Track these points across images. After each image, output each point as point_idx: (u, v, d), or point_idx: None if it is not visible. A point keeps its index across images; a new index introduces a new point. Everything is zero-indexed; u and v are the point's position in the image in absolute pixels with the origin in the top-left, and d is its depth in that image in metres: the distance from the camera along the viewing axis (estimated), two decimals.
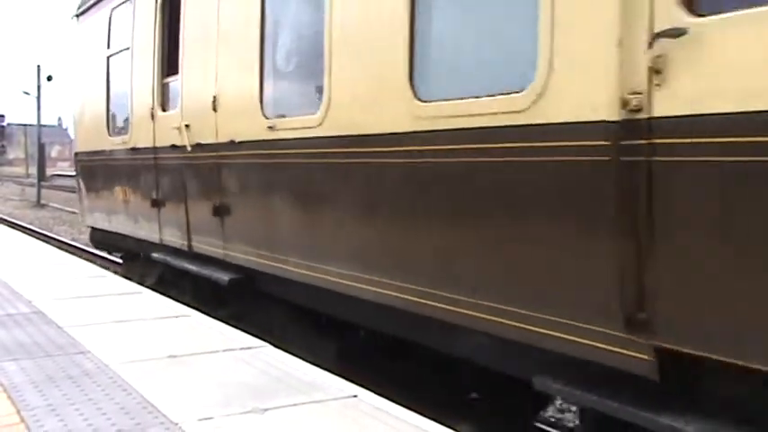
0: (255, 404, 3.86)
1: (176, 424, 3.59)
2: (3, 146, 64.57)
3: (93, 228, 11.27)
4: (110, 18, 9.83)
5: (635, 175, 3.22)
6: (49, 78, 40.52)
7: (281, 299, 6.45)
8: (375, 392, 4.08)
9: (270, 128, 5.95)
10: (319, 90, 5.38)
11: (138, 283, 8.18)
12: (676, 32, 3.06)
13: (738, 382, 3.08)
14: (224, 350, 5.00)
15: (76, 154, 11.81)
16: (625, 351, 3.35)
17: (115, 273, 9.47)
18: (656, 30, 3.12)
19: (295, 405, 3.87)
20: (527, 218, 3.87)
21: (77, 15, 11.30)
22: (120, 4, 9.40)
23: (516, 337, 3.89)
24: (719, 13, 2.97)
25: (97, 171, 10.68)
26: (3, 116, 60.27)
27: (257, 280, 6.62)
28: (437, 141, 4.29)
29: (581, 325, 3.53)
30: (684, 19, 3.07)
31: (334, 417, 3.73)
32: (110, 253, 12.16)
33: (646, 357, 3.26)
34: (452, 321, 4.27)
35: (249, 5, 6.29)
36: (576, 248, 3.59)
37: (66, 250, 13.12)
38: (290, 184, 5.94)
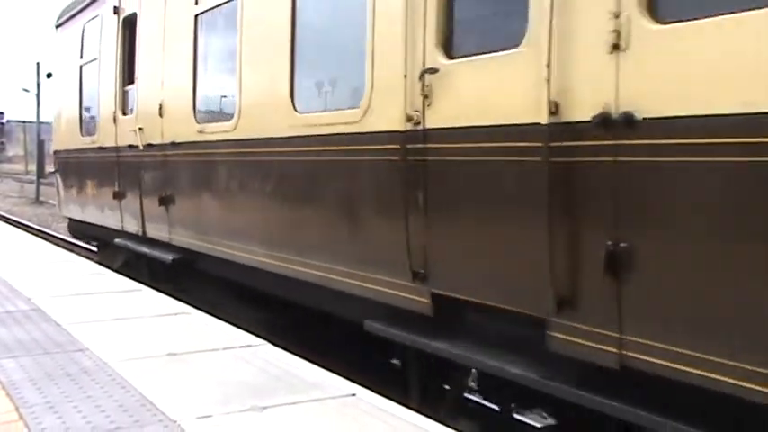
0: (254, 402, 3.86)
1: (175, 421, 3.59)
2: (2, 143, 64.58)
3: (69, 219, 12.61)
4: (82, 31, 11.21)
5: (417, 170, 4.58)
6: (49, 75, 40.24)
7: (214, 274, 7.72)
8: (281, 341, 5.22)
9: (200, 131, 7.46)
10: (233, 102, 6.75)
11: (108, 267, 9.24)
12: (434, 71, 4.44)
13: (483, 315, 4.36)
14: (223, 348, 5.00)
15: (55, 152, 13.27)
16: (414, 297, 4.73)
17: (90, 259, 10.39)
18: (425, 67, 4.48)
19: (294, 403, 3.87)
20: (354, 202, 5.38)
21: (57, 26, 12.64)
22: (90, 20, 10.74)
23: (349, 290, 5.32)
24: (461, 58, 4.34)
25: (71, 167, 12.07)
26: (2, 113, 60.27)
27: (195, 259, 7.87)
28: (307, 144, 5.74)
29: (388, 279, 4.93)
30: (440, 61, 4.45)
31: (332, 415, 3.73)
32: (87, 242, 13.13)
33: (425, 300, 4.64)
34: (318, 283, 5.65)
35: (186, 29, 7.74)
36: (381, 223, 5.07)
37: (65, 247, 13.12)
38: (214, 178, 7.36)
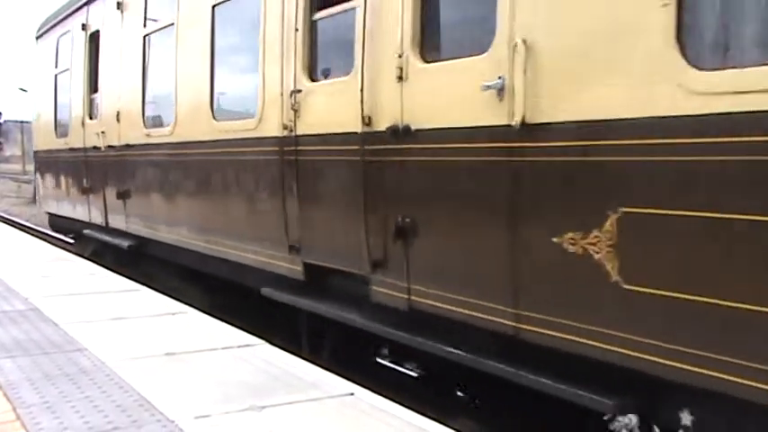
0: (253, 402, 3.86)
1: (173, 421, 3.58)
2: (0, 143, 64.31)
3: (49, 213, 13.95)
4: (57, 43, 12.60)
5: (291, 167, 5.89)
6: (23, 90, 40.40)
7: (160, 257, 9.08)
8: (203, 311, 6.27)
9: (147, 135, 8.85)
10: (171, 111, 8.12)
11: (79, 255, 10.46)
12: (300, 91, 5.77)
13: (338, 277, 5.67)
14: (221, 348, 4.99)
15: (35, 152, 14.93)
16: (291, 265, 6.01)
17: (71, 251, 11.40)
18: (294, 88, 5.82)
19: (292, 403, 3.87)
20: (253, 192, 6.65)
21: (36, 38, 14.00)
22: (63, 34, 12.17)
23: (248, 262, 6.65)
24: (318, 81, 5.74)
25: (49, 166, 13.52)
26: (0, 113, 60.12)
27: (147, 245, 9.23)
28: (222, 146, 7.07)
29: (273, 252, 6.22)
30: (304, 83, 5.77)
31: (331, 414, 3.72)
32: (65, 235, 14.04)
33: (299, 268, 5.92)
34: (228, 258, 7.03)
35: (137, 47, 9.14)
36: (269, 209, 6.28)
37: (63, 247, 13.14)
38: (157, 174, 8.73)
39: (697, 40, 3.18)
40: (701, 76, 3.06)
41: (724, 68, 3.03)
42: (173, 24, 8.05)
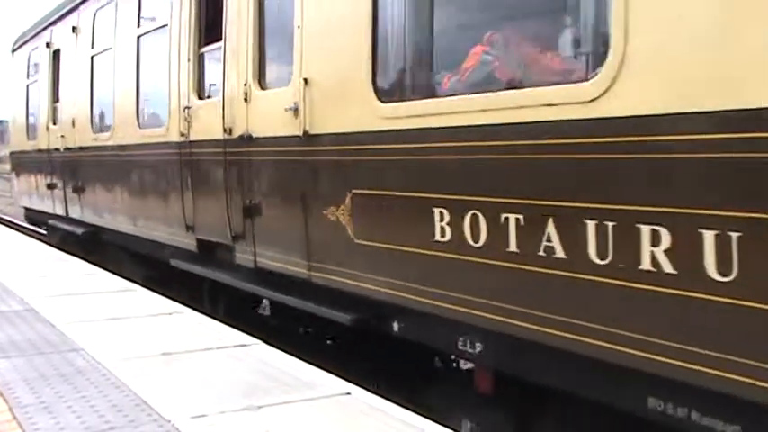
0: (249, 401, 3.86)
1: (169, 421, 3.58)
2: None
3: (24, 207, 15.80)
4: (29, 57, 14.77)
5: (186, 164, 7.68)
6: None
7: (108, 241, 10.79)
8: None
9: (94, 139, 10.71)
10: (111, 119, 10.06)
11: (52, 245, 11.88)
12: (190, 107, 7.60)
13: (219, 248, 7.31)
14: (217, 347, 5.00)
15: (11, 153, 17.36)
16: (188, 240, 7.75)
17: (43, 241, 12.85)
18: (186, 105, 7.66)
19: (288, 402, 3.87)
20: (164, 185, 8.43)
21: (12, 51, 16.25)
22: (34, 49, 14.26)
23: (159, 239, 8.56)
24: (203, 100, 7.55)
25: (23, 165, 15.58)
26: None
27: (98, 231, 10.96)
28: (145, 149, 8.88)
29: (176, 230, 7.98)
30: (193, 101, 7.61)
31: (327, 414, 3.73)
32: (39, 227, 15.45)
33: (194, 242, 7.64)
34: (149, 238, 8.89)
35: (86, 65, 11.03)
36: (173, 197, 8.05)
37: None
38: (103, 172, 10.45)
39: (382, 83, 5.03)
40: (384, 107, 4.85)
41: (397, 101, 4.87)
42: (111, 48, 10.02)
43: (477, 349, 4.39)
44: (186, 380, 4.28)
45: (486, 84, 4.36)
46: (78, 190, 11.33)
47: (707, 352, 3.03)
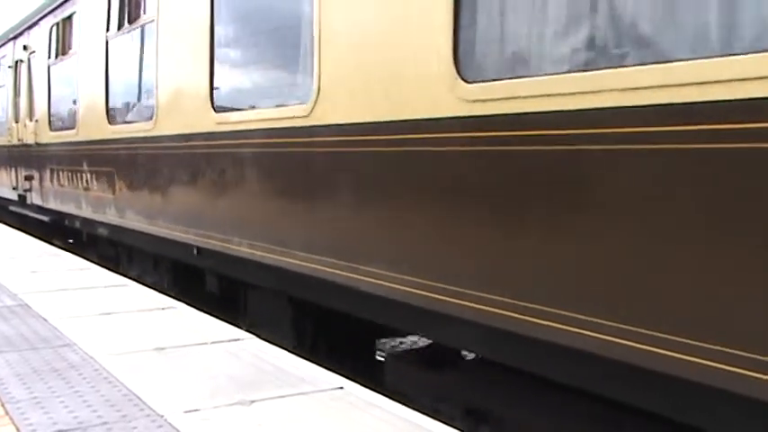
0: (242, 396, 3.86)
1: (162, 416, 3.58)
2: None
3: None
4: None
5: (17, 155, 14.40)
6: None
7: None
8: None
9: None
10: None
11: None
12: (11, 127, 13.84)
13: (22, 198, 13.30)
14: (211, 342, 4.99)
15: None
16: (14, 195, 13.82)
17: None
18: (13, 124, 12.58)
19: (282, 397, 3.87)
20: (15, 166, 13.93)
21: None
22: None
23: (6, 195, 14.30)
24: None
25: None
26: None
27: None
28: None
29: (10, 190, 14.36)
30: (11, 123, 14.21)
31: (320, 408, 3.73)
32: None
33: (16, 196, 14.06)
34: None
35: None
36: (14, 172, 14.17)
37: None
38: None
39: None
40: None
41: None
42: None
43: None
44: (179, 375, 4.27)
45: None
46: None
47: None
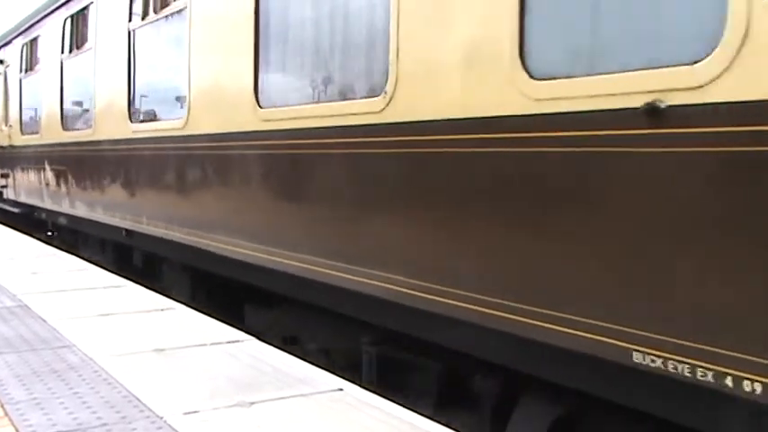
0: (242, 397, 3.86)
1: (162, 417, 3.58)
2: None
3: None
4: None
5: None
6: None
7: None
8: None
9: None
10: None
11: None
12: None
13: None
14: (210, 344, 4.99)
15: None
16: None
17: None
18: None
19: (281, 398, 3.88)
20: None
21: None
22: None
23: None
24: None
25: None
26: None
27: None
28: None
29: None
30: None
31: (320, 410, 3.74)
32: None
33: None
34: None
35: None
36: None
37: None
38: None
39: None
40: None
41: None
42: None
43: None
44: (179, 376, 4.28)
45: None
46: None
47: None
